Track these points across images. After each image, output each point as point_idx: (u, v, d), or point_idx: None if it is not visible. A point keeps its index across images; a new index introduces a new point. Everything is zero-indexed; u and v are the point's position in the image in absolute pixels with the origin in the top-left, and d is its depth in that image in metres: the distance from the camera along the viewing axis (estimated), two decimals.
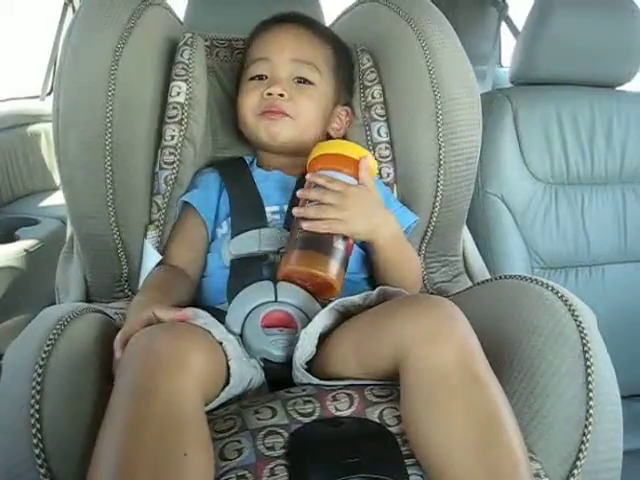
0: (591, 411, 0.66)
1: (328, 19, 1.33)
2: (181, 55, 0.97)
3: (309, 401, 0.66)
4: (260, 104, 0.95)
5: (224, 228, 0.92)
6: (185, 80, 0.95)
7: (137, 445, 0.55)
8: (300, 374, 0.72)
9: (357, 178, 0.84)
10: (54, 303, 1.00)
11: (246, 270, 0.86)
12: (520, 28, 1.63)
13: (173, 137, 0.93)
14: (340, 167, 0.84)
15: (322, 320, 0.75)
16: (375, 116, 1.03)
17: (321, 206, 0.81)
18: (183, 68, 0.95)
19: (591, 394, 0.66)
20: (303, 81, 0.97)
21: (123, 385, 0.60)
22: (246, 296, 0.81)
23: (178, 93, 0.94)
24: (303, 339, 0.73)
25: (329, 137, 1.05)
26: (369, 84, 1.04)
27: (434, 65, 0.94)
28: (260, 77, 0.98)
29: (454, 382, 0.60)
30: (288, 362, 0.76)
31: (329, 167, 0.84)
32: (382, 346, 0.65)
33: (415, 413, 0.61)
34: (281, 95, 0.94)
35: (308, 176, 0.85)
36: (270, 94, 0.94)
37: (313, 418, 0.65)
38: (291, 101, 0.94)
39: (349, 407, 0.66)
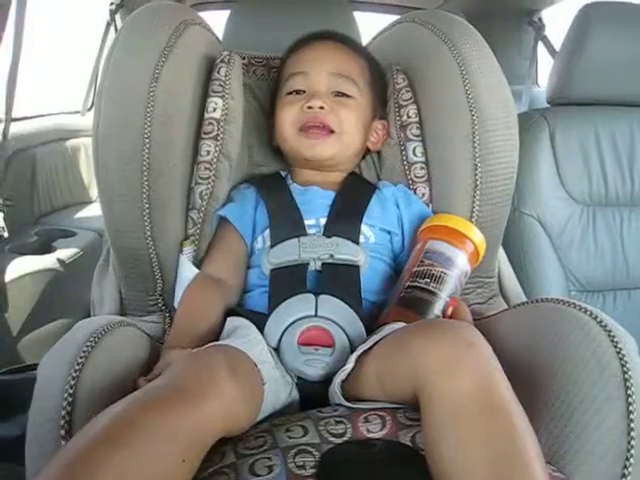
0: (632, 443, 0.63)
1: (365, 39, 1.33)
2: (218, 72, 0.98)
3: (341, 422, 0.66)
4: (300, 117, 0.96)
5: (260, 242, 0.93)
6: (221, 96, 0.96)
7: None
8: (335, 395, 0.72)
9: (462, 250, 0.86)
10: (89, 315, 1.01)
11: (287, 280, 0.85)
12: (557, 47, 1.62)
13: (209, 152, 0.95)
14: (450, 239, 0.86)
15: (371, 343, 0.73)
16: (410, 136, 1.02)
17: None
18: (220, 84, 0.97)
19: (632, 425, 0.64)
20: (341, 95, 0.97)
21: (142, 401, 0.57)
22: (286, 309, 0.81)
23: (214, 109, 0.96)
24: (351, 362, 0.72)
25: (368, 151, 1.05)
26: (404, 103, 1.03)
27: (471, 85, 0.94)
28: (297, 92, 0.98)
29: (470, 415, 0.56)
30: (322, 381, 0.75)
31: (441, 238, 0.87)
32: (401, 374, 0.64)
33: (432, 445, 0.59)
34: (321, 108, 0.94)
35: (421, 248, 0.87)
36: (310, 107, 0.95)
37: (345, 439, 0.64)
38: (332, 114, 0.95)
39: (381, 429, 0.65)
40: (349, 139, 0.97)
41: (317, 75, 0.97)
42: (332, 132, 0.95)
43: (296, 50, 1.04)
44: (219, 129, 0.95)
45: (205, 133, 0.95)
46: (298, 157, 0.99)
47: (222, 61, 0.99)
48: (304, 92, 0.98)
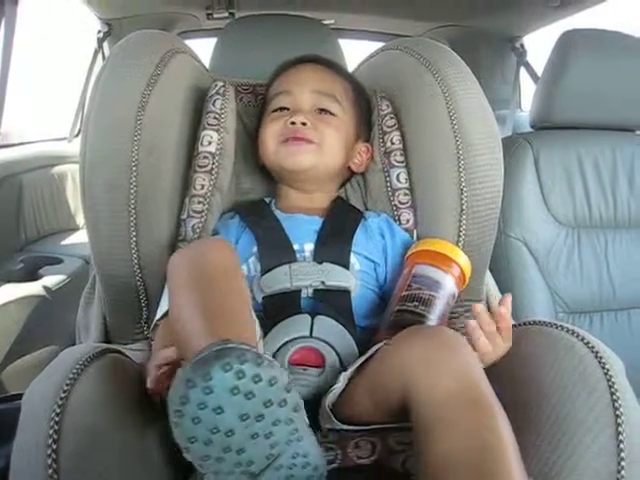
0: (623, 463, 0.63)
1: (350, 66, 1.35)
2: (213, 104, 0.99)
3: (331, 448, 0.66)
4: (283, 131, 0.96)
5: (245, 270, 0.92)
6: (217, 130, 0.97)
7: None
8: (326, 415, 0.71)
9: (449, 273, 0.86)
10: (75, 343, 1.00)
11: (281, 306, 0.85)
12: (539, 73, 1.65)
13: (203, 186, 0.95)
14: (436, 263, 0.87)
15: (357, 363, 0.74)
16: (394, 162, 1.03)
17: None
18: (215, 117, 0.97)
19: (622, 445, 0.64)
20: (324, 112, 0.99)
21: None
22: (282, 329, 0.81)
23: (209, 142, 0.96)
24: (340, 382, 0.72)
25: (351, 172, 1.06)
26: (388, 130, 1.05)
27: (455, 111, 0.95)
28: (282, 109, 1.00)
29: (454, 411, 0.58)
30: (310, 401, 0.75)
31: (427, 262, 0.87)
32: (390, 380, 0.65)
33: (420, 445, 0.60)
34: (304, 124, 0.95)
35: (408, 272, 0.87)
36: (293, 123, 0.95)
37: (334, 466, 0.64)
38: (314, 130, 0.96)
39: (371, 455, 0.65)
40: (330, 153, 0.97)
41: (301, 93, 0.99)
42: (312, 143, 0.95)
43: (281, 72, 1.06)
44: (214, 163, 0.96)
45: (199, 167, 0.96)
46: (280, 171, 1.00)
47: (217, 93, 1.00)
48: (288, 110, 0.99)
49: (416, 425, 0.60)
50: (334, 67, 1.06)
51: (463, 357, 0.63)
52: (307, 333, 0.80)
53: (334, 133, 0.98)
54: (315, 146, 0.96)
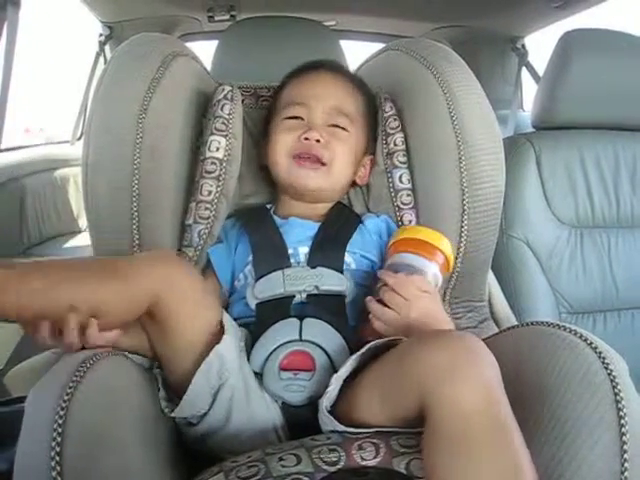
0: (626, 465, 0.63)
1: (351, 67, 1.35)
2: (221, 109, 0.98)
3: (334, 449, 0.65)
4: (296, 146, 0.96)
5: (242, 280, 0.93)
6: (225, 136, 0.96)
7: None
8: (326, 419, 0.71)
9: (433, 261, 0.85)
10: None
11: (274, 311, 0.84)
12: (540, 72, 1.65)
13: (210, 192, 0.95)
14: (418, 251, 0.85)
15: (352, 364, 0.73)
16: (397, 163, 1.03)
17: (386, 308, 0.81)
18: (223, 123, 0.97)
19: (625, 446, 0.63)
20: (337, 127, 0.98)
21: None
22: (271, 334, 0.81)
23: (217, 148, 0.96)
24: (332, 384, 0.72)
25: (355, 185, 1.05)
26: (392, 131, 1.04)
27: (456, 112, 0.95)
28: (296, 117, 0.98)
29: (479, 428, 0.56)
30: (307, 405, 0.76)
31: (409, 250, 0.86)
32: (406, 389, 0.63)
33: (437, 459, 0.58)
34: (317, 141, 0.95)
35: (390, 261, 0.87)
36: (307, 139, 0.95)
37: (338, 467, 0.63)
38: (326, 148, 0.95)
39: (375, 457, 0.64)
40: (339, 173, 0.97)
41: (316, 108, 0.98)
42: (323, 164, 0.95)
43: (296, 78, 1.04)
44: (221, 169, 0.96)
45: (207, 172, 0.95)
46: (285, 183, 0.99)
47: (225, 97, 0.99)
48: (302, 119, 0.98)
49: (435, 437, 0.59)
50: (348, 76, 1.05)
51: (486, 367, 0.60)
52: (296, 337, 0.80)
53: (345, 150, 0.98)
54: (325, 168, 0.95)
